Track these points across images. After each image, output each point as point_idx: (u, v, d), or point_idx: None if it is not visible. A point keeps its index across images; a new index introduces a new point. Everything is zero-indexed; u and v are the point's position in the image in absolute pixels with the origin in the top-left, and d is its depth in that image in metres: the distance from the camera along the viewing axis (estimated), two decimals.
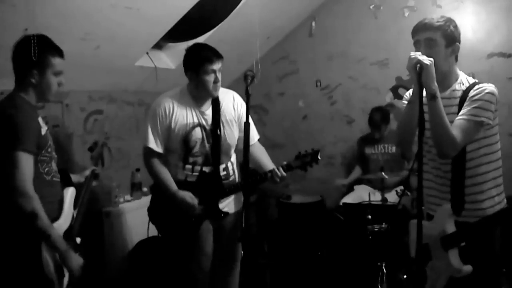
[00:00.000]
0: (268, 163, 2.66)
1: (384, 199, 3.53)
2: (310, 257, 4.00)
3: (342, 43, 4.81)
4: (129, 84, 3.97)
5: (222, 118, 2.63)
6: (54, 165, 2.25)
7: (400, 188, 3.83)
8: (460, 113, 2.00)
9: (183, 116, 2.58)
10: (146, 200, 3.96)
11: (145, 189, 4.05)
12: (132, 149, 4.03)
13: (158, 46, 3.93)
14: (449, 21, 2.07)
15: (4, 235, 2.08)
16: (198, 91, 2.57)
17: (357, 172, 4.39)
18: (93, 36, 3.02)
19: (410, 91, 2.17)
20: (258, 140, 2.83)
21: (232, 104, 2.69)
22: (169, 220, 2.65)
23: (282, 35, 4.97)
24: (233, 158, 2.77)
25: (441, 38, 2.03)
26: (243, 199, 2.70)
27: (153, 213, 2.76)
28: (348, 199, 4.06)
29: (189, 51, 2.58)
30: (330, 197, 4.52)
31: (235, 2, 3.77)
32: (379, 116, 4.15)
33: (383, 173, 3.55)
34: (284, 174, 2.53)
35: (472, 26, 4.28)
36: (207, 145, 2.60)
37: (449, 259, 1.99)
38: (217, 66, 2.50)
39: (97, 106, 3.81)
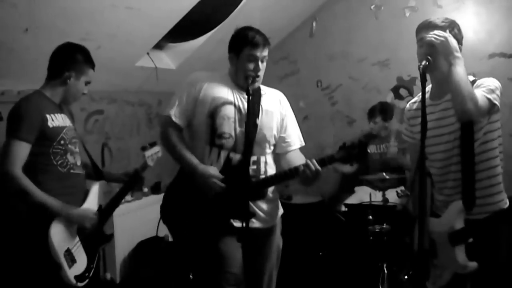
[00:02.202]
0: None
1: (385, 200, 3.52)
2: (311, 257, 3.99)
3: (342, 43, 4.81)
4: (130, 84, 3.97)
5: (262, 105, 2.35)
6: (71, 158, 2.35)
7: (401, 188, 3.82)
8: None
9: (215, 89, 2.28)
10: (146, 201, 4.00)
11: (145, 190, 4.06)
12: (132, 149, 4.03)
13: (159, 46, 3.93)
14: (454, 23, 2.08)
15: (12, 219, 2.24)
16: (237, 78, 2.30)
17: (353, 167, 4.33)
18: (93, 36, 3.02)
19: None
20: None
21: (279, 100, 2.45)
22: (186, 223, 2.32)
23: (283, 35, 4.97)
24: (269, 158, 2.40)
25: None
26: (279, 212, 2.49)
27: (166, 211, 2.42)
28: (349, 200, 4.04)
29: (235, 32, 2.33)
30: (331, 198, 4.51)
31: (236, 2, 3.77)
32: (377, 106, 4.13)
33: (384, 174, 3.54)
34: (319, 167, 2.13)
35: (473, 26, 4.27)
36: (238, 128, 2.26)
37: (455, 255, 2.01)
38: (260, 53, 2.26)
39: (98, 106, 3.81)
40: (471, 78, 2.10)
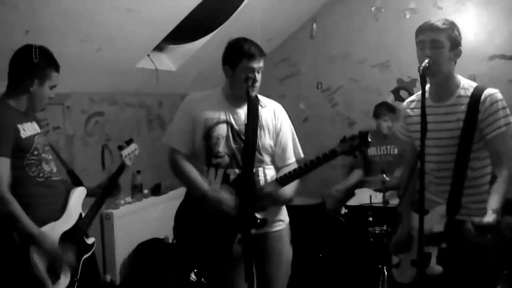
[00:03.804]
0: (287, 190, 2.42)
1: (385, 201, 3.51)
2: (311, 259, 3.98)
3: (343, 45, 4.81)
4: (130, 86, 3.97)
5: (260, 118, 2.36)
6: (46, 167, 2.24)
7: None
8: (492, 128, 2.03)
9: (208, 110, 2.32)
10: (146, 202, 4.00)
11: (145, 191, 4.06)
12: None
13: (159, 48, 3.94)
14: (453, 25, 2.09)
15: None
16: (233, 90, 2.32)
17: (356, 174, 4.34)
18: (94, 38, 3.02)
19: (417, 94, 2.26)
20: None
21: (273, 112, 2.43)
22: (197, 243, 2.38)
23: (283, 37, 4.97)
24: (270, 169, 2.41)
25: (446, 41, 2.05)
26: (285, 218, 2.63)
27: (179, 233, 2.44)
28: (349, 202, 4.04)
29: (230, 43, 2.32)
30: (331, 200, 4.50)
31: (236, 4, 3.77)
32: (382, 108, 4.13)
33: (384, 175, 3.54)
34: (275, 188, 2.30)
35: (474, 28, 4.28)
36: (233, 145, 2.29)
37: None
38: (257, 64, 2.25)
39: (98, 108, 3.81)
40: (472, 83, 2.12)
